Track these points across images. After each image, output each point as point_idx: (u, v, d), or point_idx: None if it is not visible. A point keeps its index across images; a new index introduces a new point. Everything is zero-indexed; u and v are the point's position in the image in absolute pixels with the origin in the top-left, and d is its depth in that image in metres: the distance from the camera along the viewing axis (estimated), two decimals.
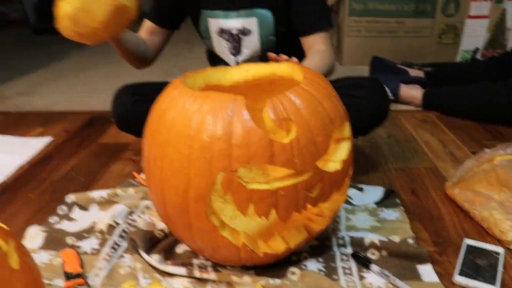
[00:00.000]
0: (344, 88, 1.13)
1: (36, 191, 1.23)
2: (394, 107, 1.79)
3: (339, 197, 0.87)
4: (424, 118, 1.67)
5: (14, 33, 3.99)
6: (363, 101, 1.13)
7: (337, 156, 0.82)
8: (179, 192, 0.74)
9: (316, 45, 1.20)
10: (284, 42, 1.27)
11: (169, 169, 0.75)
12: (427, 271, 0.84)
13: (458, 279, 0.83)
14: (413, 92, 1.75)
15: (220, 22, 1.26)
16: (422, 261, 0.87)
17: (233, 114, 0.72)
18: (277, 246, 0.82)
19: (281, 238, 0.82)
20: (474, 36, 2.22)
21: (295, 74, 0.89)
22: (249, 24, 1.24)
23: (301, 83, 0.80)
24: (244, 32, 1.25)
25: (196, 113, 0.73)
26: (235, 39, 1.27)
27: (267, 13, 1.23)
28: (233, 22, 1.25)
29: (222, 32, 1.27)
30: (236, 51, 1.30)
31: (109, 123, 1.68)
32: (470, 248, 0.90)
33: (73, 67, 2.67)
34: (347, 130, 0.84)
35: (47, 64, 2.75)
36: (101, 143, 1.54)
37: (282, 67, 0.92)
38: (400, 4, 2.18)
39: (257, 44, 1.26)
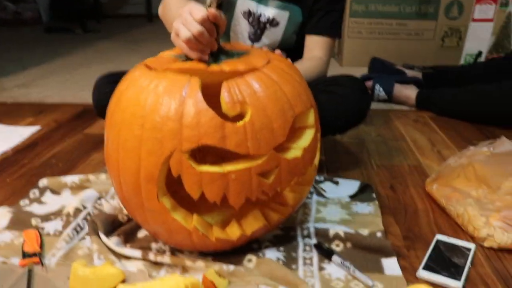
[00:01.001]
0: (323, 85, 1.13)
1: (14, 176, 1.25)
2: (388, 106, 1.79)
3: (303, 187, 0.87)
4: (417, 118, 1.66)
5: (27, 31, 4.08)
6: (340, 98, 1.12)
7: (298, 143, 0.82)
8: (132, 172, 0.75)
9: (316, 49, 1.21)
10: (300, 43, 1.28)
11: (123, 149, 0.76)
12: (390, 265, 0.84)
13: (422, 273, 0.82)
14: (407, 92, 1.74)
15: (252, 5, 1.26)
16: (387, 254, 0.86)
17: (187, 95, 0.73)
18: (232, 232, 0.82)
19: (237, 224, 0.82)
20: (478, 40, 2.20)
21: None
22: (281, 16, 1.25)
23: (263, 68, 0.80)
24: (273, 23, 1.26)
25: (151, 93, 0.74)
26: (260, 27, 1.27)
27: (298, 11, 1.25)
28: (266, 10, 1.25)
29: (250, 15, 1.27)
30: (256, 38, 1.30)
31: (98, 116, 1.70)
32: (440, 244, 0.89)
33: (74, 63, 2.73)
34: (311, 117, 0.84)
35: (50, 60, 2.81)
36: (86, 134, 1.57)
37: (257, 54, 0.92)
38: (402, 5, 2.17)
39: (278, 37, 1.27)
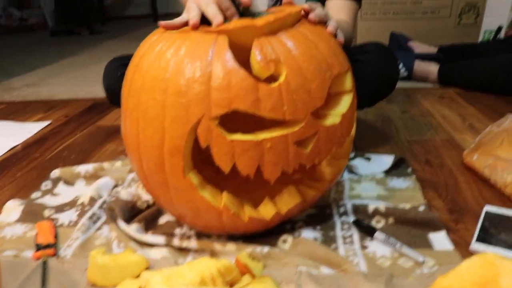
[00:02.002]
0: (348, 53, 1.04)
1: (24, 170, 1.16)
2: (410, 84, 1.70)
3: (340, 161, 0.78)
4: (442, 94, 1.56)
5: (32, 35, 4.05)
6: (368, 66, 1.03)
7: (336, 109, 0.73)
8: (154, 144, 0.66)
9: (340, 13, 1.10)
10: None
11: (144, 119, 0.66)
12: (440, 239, 0.74)
13: (476, 246, 0.72)
14: (429, 67, 1.65)
15: None
16: (435, 228, 0.76)
17: (214, 54, 0.63)
18: (266, 211, 0.72)
19: (271, 202, 0.73)
20: (497, 15, 2.08)
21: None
22: None
23: (296, 25, 0.71)
24: None
25: (174, 54, 0.65)
26: None
27: None
28: None
29: None
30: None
31: (110, 108, 1.63)
32: (490, 215, 0.79)
33: (82, 62, 2.67)
34: (348, 81, 0.74)
35: (58, 60, 2.76)
36: (98, 126, 1.49)
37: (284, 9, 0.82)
38: None
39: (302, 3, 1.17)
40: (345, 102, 0.74)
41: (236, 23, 0.67)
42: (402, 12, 2.12)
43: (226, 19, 0.72)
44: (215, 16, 0.68)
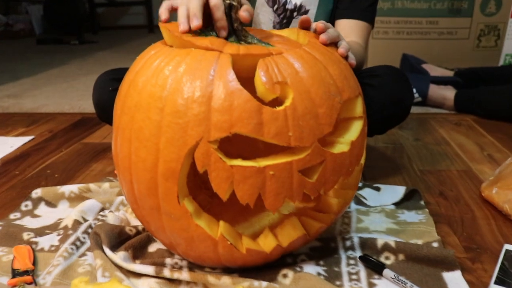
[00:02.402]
0: (358, 77, 1.05)
1: (2, 188, 1.16)
2: (423, 110, 1.72)
3: (348, 192, 0.79)
4: (459, 121, 1.58)
5: (17, 43, 4.08)
6: (379, 91, 1.04)
7: (345, 136, 0.74)
8: (147, 167, 0.66)
9: (352, 35, 1.12)
10: None
11: (137, 139, 0.67)
12: (455, 279, 0.74)
13: None
14: (444, 93, 1.67)
15: None
16: (449, 267, 0.76)
17: (216, 73, 0.64)
18: (266, 243, 0.73)
19: (271, 233, 0.73)
20: None
21: (300, 39, 0.80)
22: (310, 3, 1.15)
23: (304, 46, 0.72)
24: (301, 10, 1.16)
25: (172, 72, 0.66)
26: (286, 15, 1.18)
27: None
28: None
29: (274, 2, 1.17)
30: (282, 28, 1.21)
31: (99, 124, 1.64)
32: (510, 255, 0.79)
33: (70, 72, 2.70)
34: (359, 107, 0.76)
35: (43, 70, 2.78)
36: (85, 143, 1.49)
37: (285, 33, 0.84)
38: (433, 1, 2.09)
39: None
40: (355, 129, 0.75)
41: (239, 46, 0.69)
42: (417, 32, 2.15)
43: (212, 31, 0.74)
44: (181, 22, 0.72)
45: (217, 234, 0.69)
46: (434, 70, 1.89)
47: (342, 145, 0.72)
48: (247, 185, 0.65)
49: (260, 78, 0.65)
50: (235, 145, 0.78)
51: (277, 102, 0.66)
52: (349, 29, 1.12)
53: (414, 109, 1.69)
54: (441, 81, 1.74)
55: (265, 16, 1.20)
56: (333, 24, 1.18)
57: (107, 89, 1.13)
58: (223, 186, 0.65)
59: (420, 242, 0.84)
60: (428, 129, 1.53)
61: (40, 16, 4.59)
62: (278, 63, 0.67)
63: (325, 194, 0.75)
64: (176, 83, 0.65)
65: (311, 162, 0.67)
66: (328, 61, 0.71)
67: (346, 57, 0.78)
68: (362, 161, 0.78)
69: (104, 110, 1.13)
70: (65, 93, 2.20)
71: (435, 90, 1.69)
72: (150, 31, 4.42)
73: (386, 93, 1.05)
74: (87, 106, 1.91)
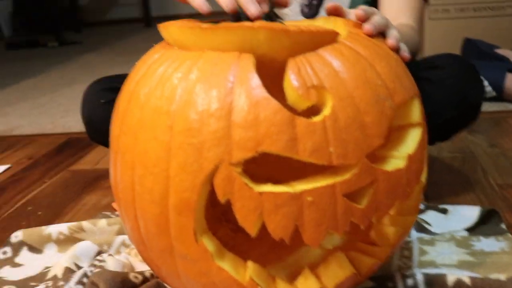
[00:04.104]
0: (414, 69, 1.06)
1: None
2: (500, 107, 1.73)
3: (407, 218, 0.80)
4: None
5: None
6: (441, 87, 1.06)
7: (400, 149, 0.75)
8: (155, 198, 0.68)
9: (401, 16, 1.13)
10: None
11: (142, 164, 0.69)
12: None
13: None
14: None
15: None
16: None
17: (236, 78, 0.66)
18: (307, 286, 0.74)
19: (312, 274, 0.75)
20: None
21: (339, 29, 0.82)
22: None
23: (343, 38, 0.74)
24: None
25: (182, 80, 0.68)
26: None
27: None
28: None
29: None
30: (312, 12, 1.24)
31: (90, 146, 1.68)
32: None
33: (48, 84, 2.76)
34: (416, 111, 0.77)
35: (17, 82, 2.84)
36: (74, 170, 1.54)
37: (318, 22, 0.86)
38: None
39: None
40: (413, 139, 0.76)
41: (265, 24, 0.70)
42: (485, 8, 2.15)
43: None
44: (249, 5, 0.73)
45: (245, 278, 0.70)
46: None
47: (397, 160, 0.73)
48: (280, 216, 0.66)
49: (291, 82, 0.66)
50: (262, 167, 0.80)
51: (313, 111, 0.67)
52: (396, 8, 1.13)
53: (487, 107, 1.69)
54: None
55: None
56: (376, 6, 1.19)
57: (99, 101, 1.16)
58: (251, 218, 0.66)
59: (503, 277, 0.84)
60: (507, 131, 1.55)
61: (8, 13, 4.70)
62: (312, 63, 0.68)
63: (378, 222, 0.77)
64: (187, 94, 0.67)
65: (359, 183, 0.68)
66: (374, 57, 0.73)
67: (397, 50, 0.80)
68: (423, 178, 0.80)
69: (97, 128, 1.16)
70: (45, 109, 2.25)
71: None
72: (147, 25, 4.49)
73: (449, 89, 1.07)
74: (74, 123, 1.95)
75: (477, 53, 1.91)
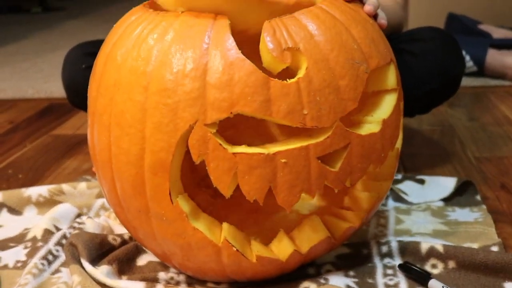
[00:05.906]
0: (395, 41, 1.07)
1: None
2: (480, 82, 1.74)
3: (381, 183, 0.82)
4: None
5: None
6: (422, 60, 1.07)
7: (375, 114, 0.77)
8: (131, 159, 0.69)
9: None
10: None
11: (118, 126, 0.70)
12: None
13: None
14: (507, 60, 1.67)
15: None
16: None
17: (211, 40, 0.67)
18: (281, 248, 0.75)
19: (287, 237, 0.76)
20: None
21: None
22: None
23: (320, 3, 0.75)
24: None
25: (158, 41, 0.69)
26: None
27: None
28: None
29: None
30: None
31: (72, 111, 1.68)
32: None
33: (30, 50, 2.74)
34: (392, 77, 0.78)
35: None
36: (55, 135, 1.54)
37: None
38: None
39: None
40: (387, 104, 0.77)
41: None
42: None
43: None
44: None
45: (219, 239, 0.71)
46: (494, 32, 1.90)
47: (371, 125, 0.74)
48: (254, 177, 0.68)
49: (266, 44, 0.67)
50: (240, 132, 0.81)
51: (288, 73, 0.69)
52: None
53: (468, 81, 1.70)
54: (503, 44, 1.76)
55: None
56: None
57: (80, 66, 1.16)
58: (225, 179, 0.68)
59: (475, 245, 0.86)
60: (486, 106, 1.55)
61: None
62: (287, 25, 0.69)
63: (352, 186, 0.78)
64: (162, 55, 0.67)
65: (333, 146, 0.70)
66: (351, 21, 0.74)
67: (375, 16, 0.80)
68: (398, 144, 0.81)
69: (78, 93, 1.17)
70: (27, 74, 2.24)
71: (495, 57, 1.71)
72: None
73: (431, 61, 1.08)
74: (56, 89, 1.94)
75: (460, 28, 1.92)
